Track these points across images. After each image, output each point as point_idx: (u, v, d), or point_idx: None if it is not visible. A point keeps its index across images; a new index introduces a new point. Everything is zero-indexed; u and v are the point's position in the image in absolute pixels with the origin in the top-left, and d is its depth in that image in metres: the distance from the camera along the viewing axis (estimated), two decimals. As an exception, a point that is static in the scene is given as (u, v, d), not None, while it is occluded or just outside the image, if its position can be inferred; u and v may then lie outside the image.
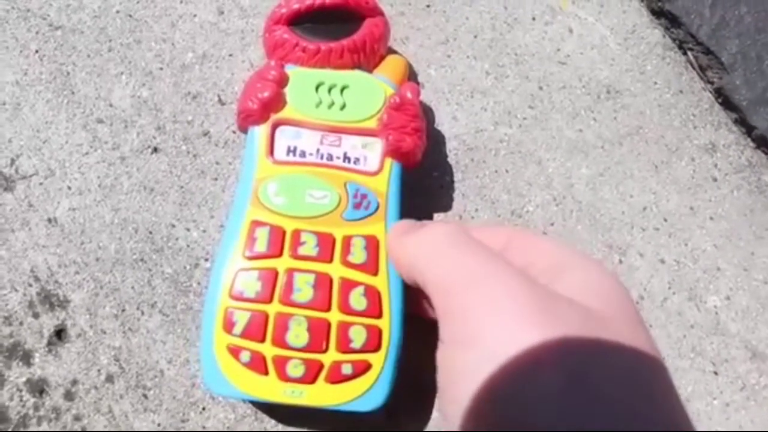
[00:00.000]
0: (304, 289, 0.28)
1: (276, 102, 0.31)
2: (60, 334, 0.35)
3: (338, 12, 0.33)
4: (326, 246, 0.29)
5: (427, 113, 0.38)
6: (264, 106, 0.31)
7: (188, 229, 0.36)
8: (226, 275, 0.29)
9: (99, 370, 0.34)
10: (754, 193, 0.39)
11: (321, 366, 0.28)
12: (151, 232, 0.36)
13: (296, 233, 0.29)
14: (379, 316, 0.29)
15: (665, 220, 0.38)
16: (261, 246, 0.29)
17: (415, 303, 0.29)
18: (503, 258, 0.22)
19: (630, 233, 0.37)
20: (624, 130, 0.39)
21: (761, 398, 0.35)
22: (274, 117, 0.31)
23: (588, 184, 0.38)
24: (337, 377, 0.28)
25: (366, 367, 0.28)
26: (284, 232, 0.29)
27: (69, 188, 0.37)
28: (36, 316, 0.35)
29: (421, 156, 0.33)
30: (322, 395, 0.28)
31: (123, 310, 0.35)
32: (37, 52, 0.40)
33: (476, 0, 0.42)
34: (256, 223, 0.30)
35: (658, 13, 0.42)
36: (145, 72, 0.39)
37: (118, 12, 0.41)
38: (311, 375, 0.28)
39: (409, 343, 0.30)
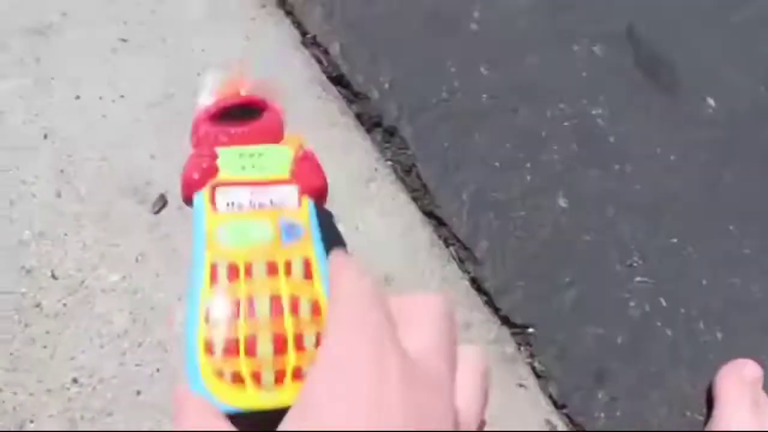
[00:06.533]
0: (262, 308, 0.34)
1: (212, 171, 0.39)
2: None
3: (244, 106, 0.43)
4: (273, 270, 0.36)
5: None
6: (204, 174, 0.39)
7: (15, 393, 0.41)
8: (200, 309, 0.34)
9: None
10: (500, 362, 0.49)
11: (286, 369, 0.33)
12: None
13: (248, 265, 0.36)
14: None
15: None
16: (223, 280, 0.35)
17: None
18: (391, 335, 0.28)
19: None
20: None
21: None
22: (212, 181, 0.39)
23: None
24: (300, 376, 0.33)
25: None
26: (238, 266, 0.36)
27: None
28: None
29: (326, 192, 0.41)
30: (292, 394, 0.33)
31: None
32: None
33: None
34: (216, 263, 0.36)
35: (428, 214, 0.53)
36: (-18, 248, 0.44)
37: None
38: (280, 378, 0.33)
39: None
